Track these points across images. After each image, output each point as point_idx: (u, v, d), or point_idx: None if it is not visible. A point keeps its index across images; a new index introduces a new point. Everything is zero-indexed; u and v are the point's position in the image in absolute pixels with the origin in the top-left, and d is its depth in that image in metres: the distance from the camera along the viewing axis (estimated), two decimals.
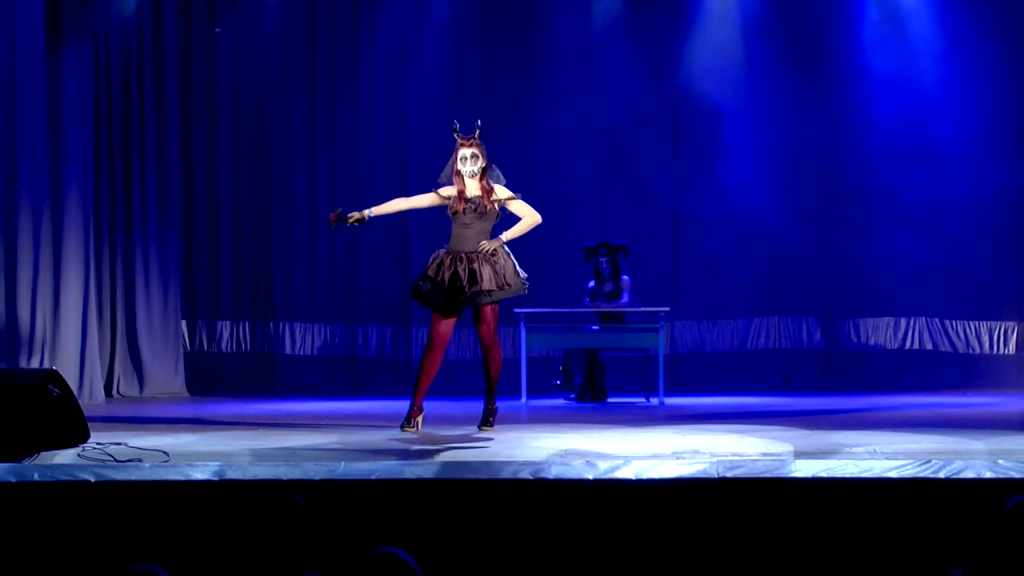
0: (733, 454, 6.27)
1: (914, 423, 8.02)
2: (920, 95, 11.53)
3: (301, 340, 11.90)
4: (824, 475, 5.45)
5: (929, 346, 11.69)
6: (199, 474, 5.57)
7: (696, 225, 11.83)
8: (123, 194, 11.03)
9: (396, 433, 7.53)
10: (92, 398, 10.11)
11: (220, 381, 11.75)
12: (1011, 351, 11.54)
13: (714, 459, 5.81)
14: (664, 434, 7.57)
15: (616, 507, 5.34)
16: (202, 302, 11.84)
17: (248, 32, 11.75)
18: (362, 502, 5.38)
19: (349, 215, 7.58)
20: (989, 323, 11.59)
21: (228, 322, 11.88)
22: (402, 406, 8.04)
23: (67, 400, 6.65)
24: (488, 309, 7.60)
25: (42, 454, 6.33)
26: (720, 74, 11.65)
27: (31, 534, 5.33)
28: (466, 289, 7.43)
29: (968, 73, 11.49)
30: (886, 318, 11.74)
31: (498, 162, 7.85)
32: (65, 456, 6.38)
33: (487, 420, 7.80)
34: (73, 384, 9.14)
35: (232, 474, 5.57)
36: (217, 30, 11.74)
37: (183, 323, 11.59)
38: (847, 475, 5.46)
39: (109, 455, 6.33)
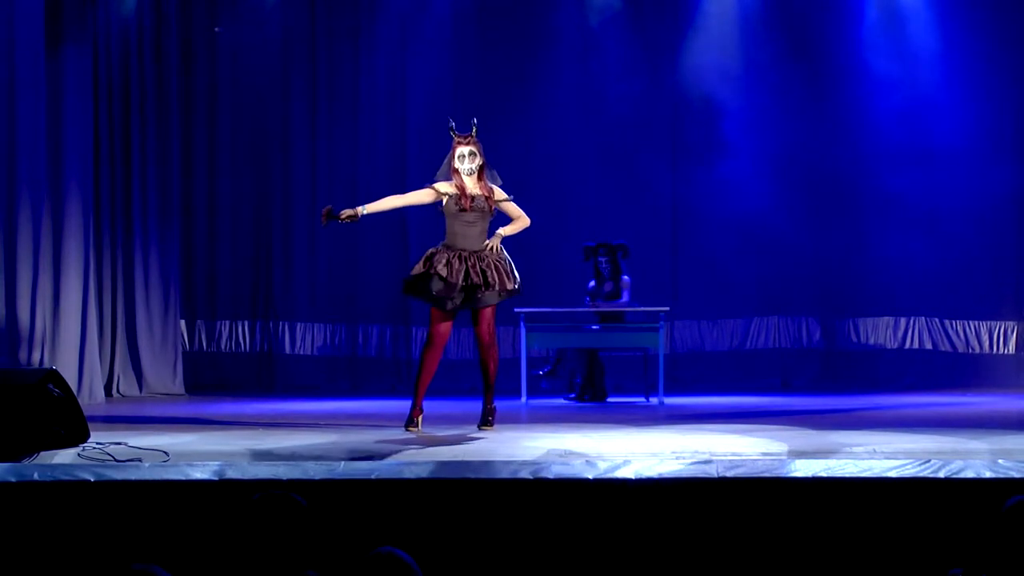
0: (733, 454, 6.28)
1: (914, 423, 8.02)
2: (920, 95, 11.52)
3: (301, 340, 11.90)
4: (824, 475, 5.44)
5: (929, 346, 11.69)
6: (199, 474, 5.57)
7: (696, 225, 11.84)
8: (123, 194, 11.03)
9: (396, 433, 7.53)
10: (92, 398, 10.11)
11: (220, 381, 11.76)
12: (1011, 351, 11.54)
13: (714, 459, 5.81)
14: (664, 434, 7.57)
15: (616, 507, 5.34)
16: (202, 302, 11.84)
17: (248, 32, 11.75)
18: (362, 502, 5.38)
19: (341, 212, 7.56)
20: (989, 323, 11.59)
21: (228, 322, 11.88)
22: (402, 405, 8.05)
23: (67, 400, 6.65)
24: (489, 309, 7.63)
25: (42, 454, 6.33)
26: (720, 73, 11.65)
27: (31, 534, 5.33)
28: (482, 290, 7.46)
29: (968, 72, 11.49)
30: (886, 318, 11.74)
31: (497, 160, 7.86)
32: (65, 456, 6.38)
33: (487, 420, 7.80)
34: (73, 384, 9.15)
35: (232, 474, 5.56)
36: (217, 30, 11.74)
37: (182, 323, 11.60)
38: (847, 475, 5.45)
39: (109, 455, 6.33)
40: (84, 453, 6.44)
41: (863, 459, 5.93)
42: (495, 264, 7.58)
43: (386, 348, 11.94)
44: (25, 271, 9.61)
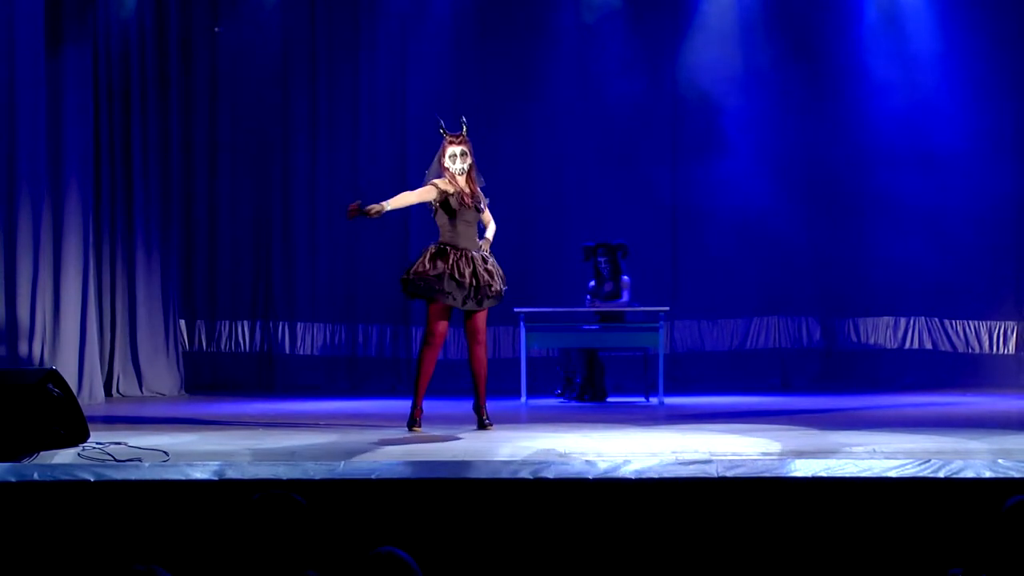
0: (733, 454, 6.28)
1: (914, 423, 8.02)
2: (920, 95, 11.52)
3: (301, 340, 11.90)
4: (824, 475, 5.44)
5: (929, 346, 11.69)
6: (199, 474, 5.57)
7: (696, 224, 11.84)
8: (123, 194, 11.03)
9: (396, 433, 7.54)
10: (92, 397, 10.11)
11: (220, 381, 11.76)
12: (1011, 351, 11.54)
13: (714, 459, 5.81)
14: (664, 434, 7.58)
15: (616, 506, 5.34)
16: (201, 302, 11.84)
17: (248, 32, 11.75)
18: (362, 502, 5.38)
19: (369, 208, 7.56)
20: (989, 323, 11.59)
21: (227, 322, 11.88)
22: (402, 405, 8.05)
23: (67, 399, 6.65)
24: (486, 309, 7.68)
25: (42, 454, 6.33)
26: (720, 72, 11.65)
27: (31, 534, 5.33)
28: (489, 290, 7.49)
29: (968, 72, 11.49)
30: (886, 318, 11.74)
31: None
32: (65, 456, 6.38)
33: (486, 420, 7.80)
34: (73, 383, 9.14)
35: (232, 474, 5.56)
36: (217, 30, 11.74)
37: (182, 323, 11.60)
38: (847, 475, 5.45)
39: (109, 455, 6.34)
40: (84, 453, 6.44)
41: (863, 459, 5.93)
42: (493, 266, 7.63)
43: (386, 348, 11.94)
44: (25, 271, 9.61)
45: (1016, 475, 5.38)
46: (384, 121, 11.94)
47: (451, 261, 7.51)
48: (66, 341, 10.02)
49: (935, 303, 11.65)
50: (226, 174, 11.84)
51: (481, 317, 7.69)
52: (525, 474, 5.48)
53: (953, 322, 11.66)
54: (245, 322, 11.90)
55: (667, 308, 10.62)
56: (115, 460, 6.18)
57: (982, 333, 11.60)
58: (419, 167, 11.19)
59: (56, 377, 6.73)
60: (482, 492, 5.41)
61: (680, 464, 5.67)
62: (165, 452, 6.38)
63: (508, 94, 11.77)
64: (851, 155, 11.62)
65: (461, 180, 7.67)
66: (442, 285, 7.49)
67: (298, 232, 11.87)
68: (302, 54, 11.91)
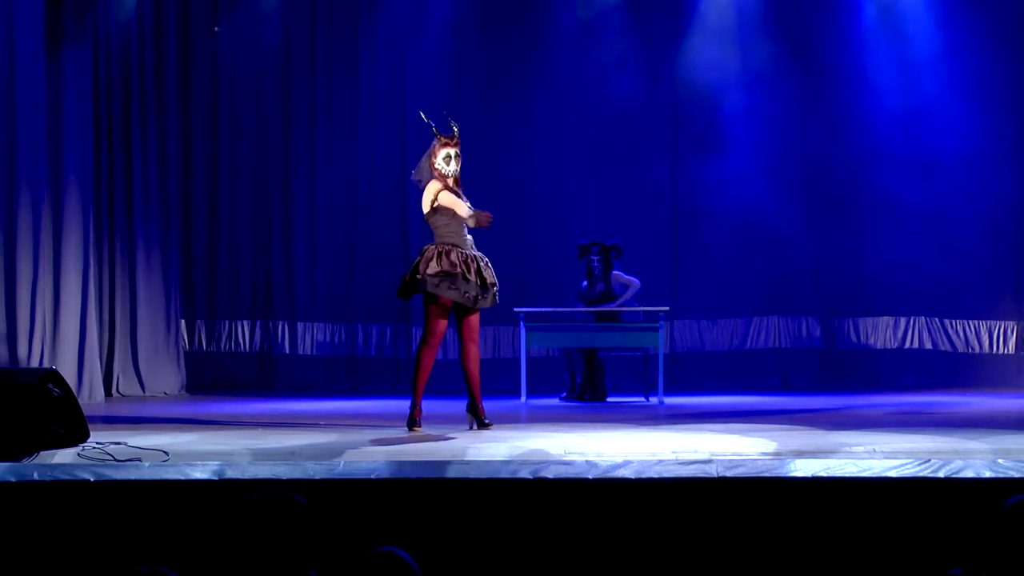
0: (733, 454, 6.28)
1: (914, 423, 8.02)
2: (919, 95, 11.52)
3: (301, 339, 11.90)
4: (823, 475, 5.44)
5: (929, 346, 11.69)
6: (199, 474, 5.57)
7: (696, 224, 11.84)
8: (123, 194, 11.03)
9: (396, 433, 7.53)
10: (92, 397, 10.11)
11: (220, 381, 11.76)
12: (1010, 351, 11.54)
13: (714, 459, 5.81)
14: (664, 434, 7.57)
15: (616, 506, 5.34)
16: (201, 301, 11.84)
17: (248, 32, 11.75)
18: (362, 501, 5.38)
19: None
20: (989, 322, 11.59)
21: (228, 321, 11.88)
22: (402, 405, 8.04)
23: (67, 399, 6.65)
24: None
25: (42, 453, 6.33)
26: (720, 70, 11.65)
27: (31, 534, 5.33)
28: (494, 288, 7.54)
29: (967, 73, 11.49)
30: (886, 317, 11.74)
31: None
32: (65, 455, 6.37)
33: (485, 420, 7.80)
34: (73, 383, 9.15)
35: (232, 474, 5.56)
36: (217, 29, 11.74)
37: (182, 322, 11.60)
38: (846, 475, 5.45)
39: (109, 454, 6.33)
40: (84, 453, 6.44)
41: (863, 459, 5.93)
42: (488, 264, 7.67)
43: (386, 348, 11.94)
44: (25, 271, 9.62)
45: (1016, 475, 5.39)
46: (384, 121, 11.93)
47: (460, 259, 7.53)
48: (66, 341, 10.03)
49: (935, 303, 11.65)
50: (226, 174, 11.84)
51: (477, 316, 7.72)
52: (525, 474, 5.48)
53: (953, 322, 11.66)
54: (245, 322, 11.90)
55: (667, 308, 10.62)
56: (115, 460, 6.18)
57: (982, 333, 11.60)
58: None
59: (56, 377, 6.73)
60: (482, 492, 5.42)
61: (680, 464, 5.67)
62: (165, 452, 6.38)
63: (508, 93, 11.77)
64: (851, 154, 11.62)
65: (451, 182, 7.68)
66: (459, 283, 7.50)
67: (298, 232, 11.87)
68: (302, 54, 11.91)
